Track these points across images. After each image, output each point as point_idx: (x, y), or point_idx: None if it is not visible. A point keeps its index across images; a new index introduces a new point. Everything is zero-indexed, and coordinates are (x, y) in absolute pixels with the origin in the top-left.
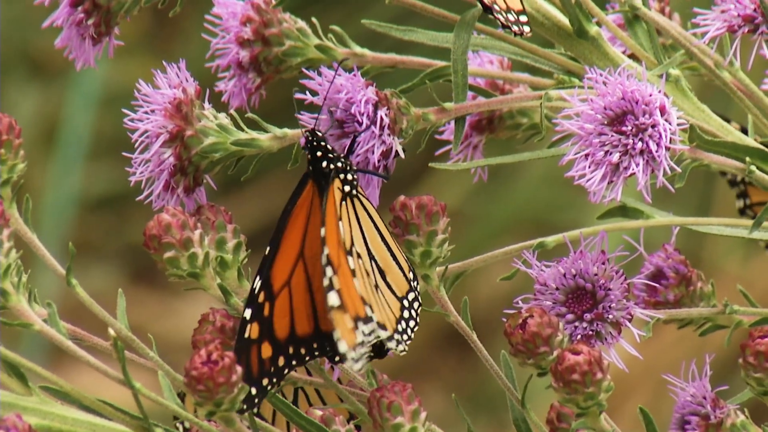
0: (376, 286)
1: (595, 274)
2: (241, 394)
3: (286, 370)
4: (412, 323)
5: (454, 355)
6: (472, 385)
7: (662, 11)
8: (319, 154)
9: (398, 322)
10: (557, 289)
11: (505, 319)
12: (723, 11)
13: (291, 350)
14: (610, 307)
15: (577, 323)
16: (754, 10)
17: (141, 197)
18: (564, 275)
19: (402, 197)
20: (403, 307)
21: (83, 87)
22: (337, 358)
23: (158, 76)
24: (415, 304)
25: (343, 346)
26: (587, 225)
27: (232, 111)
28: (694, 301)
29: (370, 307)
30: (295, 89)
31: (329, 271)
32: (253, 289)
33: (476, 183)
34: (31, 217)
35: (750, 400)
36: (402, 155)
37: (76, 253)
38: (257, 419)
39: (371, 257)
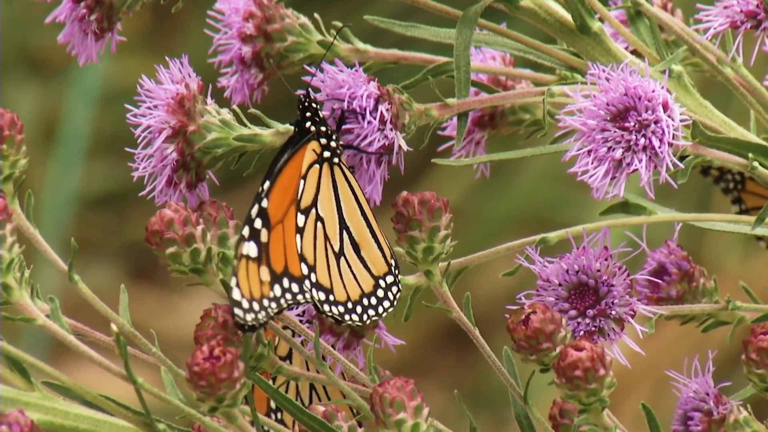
0: (339, 254)
1: (598, 270)
2: (244, 390)
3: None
4: (386, 303)
5: (455, 352)
6: (473, 382)
7: (665, 7)
8: (308, 114)
9: (365, 296)
10: (560, 285)
11: (507, 315)
12: (726, 7)
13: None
14: (612, 303)
15: (579, 319)
16: (757, 6)
17: (143, 193)
18: (567, 271)
19: (404, 193)
20: (377, 286)
21: (83, 85)
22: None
23: (161, 72)
24: (394, 289)
25: (236, 294)
26: (590, 221)
27: (234, 106)
28: (697, 297)
29: (311, 267)
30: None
31: (258, 222)
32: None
33: (479, 179)
34: (32, 214)
35: (752, 396)
36: (405, 149)
37: (77, 251)
38: (260, 415)
39: (344, 227)
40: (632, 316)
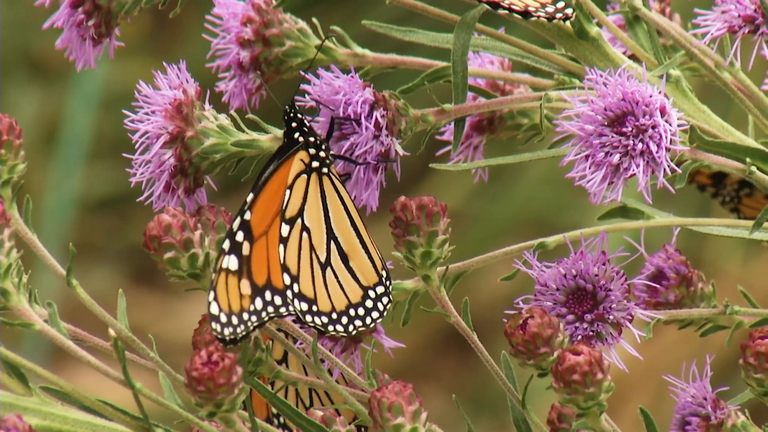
0: (325, 265)
1: (596, 275)
2: (242, 395)
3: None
4: (375, 314)
5: (454, 356)
6: (473, 386)
7: (662, 12)
8: (294, 125)
9: (352, 307)
10: (558, 289)
11: (505, 320)
12: (723, 12)
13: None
14: (610, 307)
15: (577, 324)
16: (755, 10)
17: (141, 198)
18: (564, 276)
19: (402, 198)
20: (366, 296)
21: (84, 88)
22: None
23: (159, 77)
24: (384, 299)
25: (213, 308)
26: (588, 225)
27: (232, 112)
28: (695, 301)
29: (294, 277)
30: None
31: (239, 235)
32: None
33: (477, 183)
34: (31, 218)
35: (750, 401)
36: (402, 154)
37: (77, 254)
38: (258, 420)
39: (332, 237)
40: (630, 321)
